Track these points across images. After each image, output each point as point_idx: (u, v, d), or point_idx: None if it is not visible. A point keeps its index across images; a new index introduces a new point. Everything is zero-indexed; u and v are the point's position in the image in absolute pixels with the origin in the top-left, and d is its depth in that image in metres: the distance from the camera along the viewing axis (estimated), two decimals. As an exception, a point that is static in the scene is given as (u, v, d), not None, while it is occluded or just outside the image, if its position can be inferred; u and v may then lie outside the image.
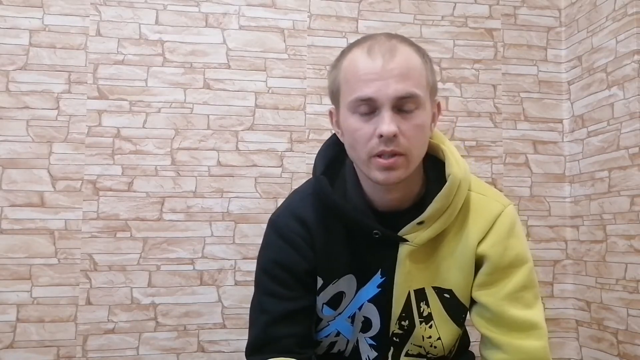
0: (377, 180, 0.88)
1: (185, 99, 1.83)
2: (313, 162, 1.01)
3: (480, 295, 0.97)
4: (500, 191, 1.25)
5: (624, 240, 1.73)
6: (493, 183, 1.97)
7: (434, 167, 0.97)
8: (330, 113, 0.98)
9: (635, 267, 1.68)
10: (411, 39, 0.94)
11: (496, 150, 2.00)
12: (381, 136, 0.85)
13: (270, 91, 1.88)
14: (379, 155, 0.86)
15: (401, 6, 1.98)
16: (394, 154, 0.86)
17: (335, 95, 0.94)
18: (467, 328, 1.08)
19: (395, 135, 0.85)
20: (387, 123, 0.84)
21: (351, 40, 1.91)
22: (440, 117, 0.97)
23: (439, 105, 0.96)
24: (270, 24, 1.90)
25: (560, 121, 2.04)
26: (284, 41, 1.90)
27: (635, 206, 1.69)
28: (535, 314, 0.96)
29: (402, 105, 0.86)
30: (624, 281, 1.73)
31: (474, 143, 1.99)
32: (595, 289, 1.86)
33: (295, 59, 1.90)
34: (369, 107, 0.87)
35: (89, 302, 1.73)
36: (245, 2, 1.89)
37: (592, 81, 1.89)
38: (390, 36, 0.91)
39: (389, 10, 1.97)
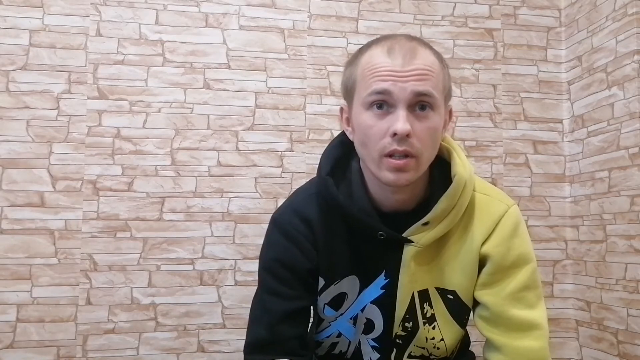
0: (387, 180, 0.88)
1: (185, 99, 1.83)
2: (314, 162, 1.01)
3: (482, 294, 0.97)
4: (501, 191, 1.25)
5: (624, 240, 1.73)
6: (493, 183, 1.97)
7: (439, 167, 0.96)
8: (341, 110, 0.98)
9: (635, 267, 1.68)
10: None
11: (496, 150, 2.00)
12: (395, 135, 0.84)
13: (270, 91, 1.88)
14: (390, 155, 0.86)
15: (401, 6, 1.98)
16: (405, 155, 0.85)
17: (349, 91, 0.93)
18: (467, 328, 1.08)
19: (408, 135, 0.84)
20: (401, 121, 0.84)
21: (351, 40, 1.93)
22: (451, 123, 0.97)
23: (450, 111, 0.96)
24: (270, 24, 1.90)
25: (560, 121, 2.04)
26: (284, 41, 1.90)
27: (635, 206, 1.69)
28: (537, 314, 0.95)
29: (417, 104, 0.86)
30: (624, 281, 1.73)
31: (474, 143, 1.99)
32: (595, 289, 1.86)
33: (295, 59, 1.90)
34: (385, 104, 0.86)
35: (89, 302, 1.72)
36: (245, 2, 1.89)
37: (592, 81, 1.89)
38: (411, 38, 0.91)
39: (389, 10, 1.97)
